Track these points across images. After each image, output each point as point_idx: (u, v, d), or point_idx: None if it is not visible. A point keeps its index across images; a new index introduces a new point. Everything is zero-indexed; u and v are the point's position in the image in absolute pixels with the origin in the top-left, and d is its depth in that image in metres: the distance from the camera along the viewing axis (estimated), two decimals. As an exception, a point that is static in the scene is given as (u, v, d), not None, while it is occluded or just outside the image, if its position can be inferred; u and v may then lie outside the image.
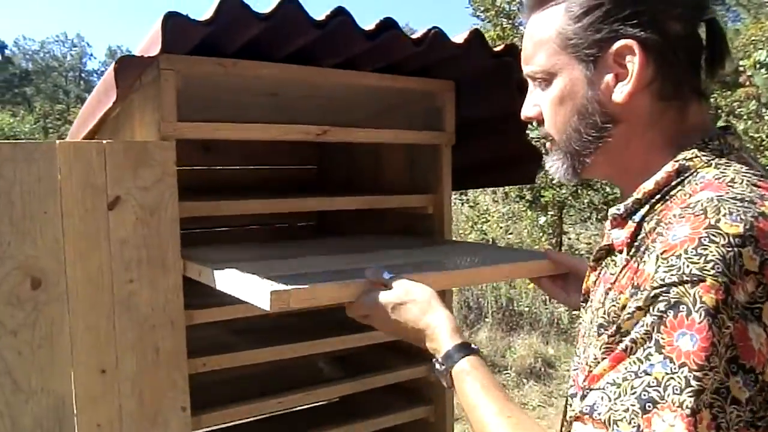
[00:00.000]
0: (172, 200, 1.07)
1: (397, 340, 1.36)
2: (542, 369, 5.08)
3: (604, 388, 0.61)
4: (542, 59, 0.76)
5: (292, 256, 1.18)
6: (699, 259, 0.57)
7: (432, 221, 1.51)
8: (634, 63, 0.71)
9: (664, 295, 0.58)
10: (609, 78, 0.73)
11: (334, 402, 1.78)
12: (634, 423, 0.56)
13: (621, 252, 0.74)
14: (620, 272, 0.72)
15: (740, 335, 0.56)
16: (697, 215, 0.61)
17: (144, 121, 1.17)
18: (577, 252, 6.47)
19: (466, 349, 0.81)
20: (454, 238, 1.59)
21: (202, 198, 1.23)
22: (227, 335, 1.42)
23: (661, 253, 0.60)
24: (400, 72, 1.36)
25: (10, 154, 0.93)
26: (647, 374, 0.57)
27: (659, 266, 0.60)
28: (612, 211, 0.76)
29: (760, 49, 4.94)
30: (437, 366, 0.82)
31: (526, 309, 5.95)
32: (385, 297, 0.88)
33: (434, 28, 1.21)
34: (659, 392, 0.56)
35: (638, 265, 0.66)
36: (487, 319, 5.87)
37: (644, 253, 0.66)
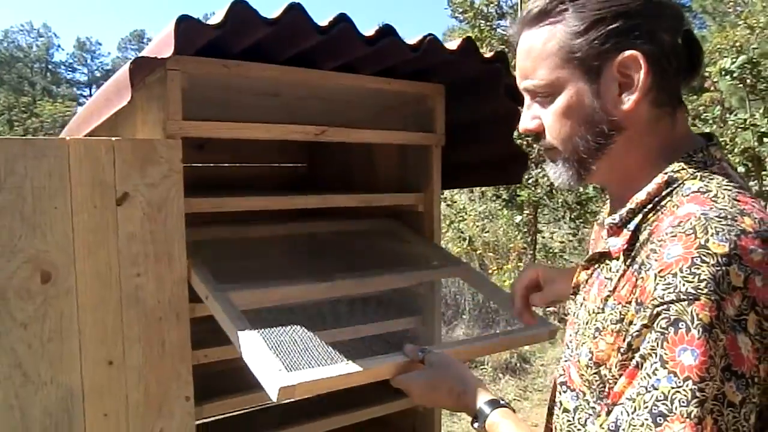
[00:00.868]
0: (178, 196, 1.10)
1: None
2: (518, 364, 5.19)
3: (623, 404, 0.68)
4: (545, 73, 0.80)
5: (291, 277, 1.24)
6: (693, 278, 0.64)
7: (421, 218, 1.56)
8: (640, 72, 0.75)
9: (664, 312, 0.65)
10: (614, 87, 0.77)
11: (323, 393, 1.82)
12: None
13: (618, 258, 0.80)
14: (618, 280, 0.78)
15: (731, 345, 0.63)
16: (688, 235, 0.67)
17: (147, 120, 1.20)
18: (551, 250, 6.62)
19: (494, 404, 0.90)
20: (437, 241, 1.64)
21: (197, 195, 1.26)
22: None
23: (659, 272, 0.67)
24: (394, 75, 1.40)
25: (22, 151, 0.95)
26: (655, 389, 0.64)
27: (657, 284, 0.66)
28: (608, 221, 0.81)
29: (725, 57, 5.11)
30: (474, 425, 0.90)
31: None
32: (421, 377, 0.98)
33: (429, 35, 1.26)
34: (667, 406, 0.63)
35: (636, 280, 0.72)
36: (464, 316, 5.97)
37: (641, 267, 0.72)
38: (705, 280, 0.63)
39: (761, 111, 4.88)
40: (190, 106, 1.14)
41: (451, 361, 0.99)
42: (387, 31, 1.19)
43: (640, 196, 0.78)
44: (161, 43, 1.00)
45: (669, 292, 0.65)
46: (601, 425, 0.74)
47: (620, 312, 0.75)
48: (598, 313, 0.80)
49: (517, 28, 0.85)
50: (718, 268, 0.63)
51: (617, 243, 0.80)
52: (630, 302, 0.72)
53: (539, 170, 6.50)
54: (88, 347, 1.02)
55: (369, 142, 1.43)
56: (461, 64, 1.36)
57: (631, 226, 0.78)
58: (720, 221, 0.67)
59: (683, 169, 0.77)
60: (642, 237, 0.77)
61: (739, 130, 4.81)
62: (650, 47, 0.76)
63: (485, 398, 0.91)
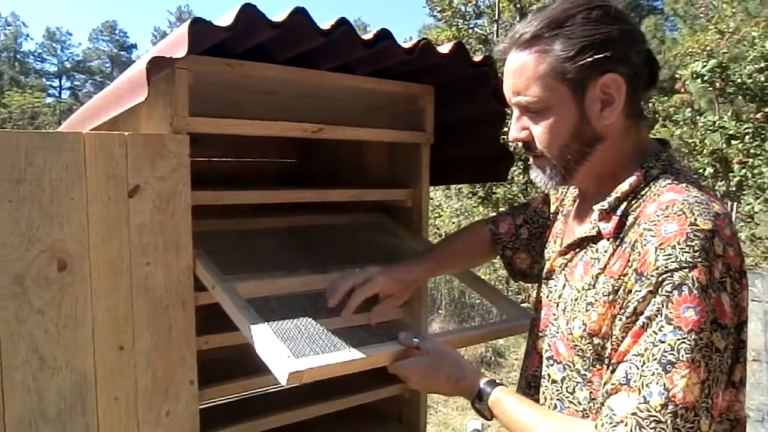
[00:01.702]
0: (186, 189, 1.15)
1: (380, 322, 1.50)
2: (492, 358, 5.33)
3: (630, 360, 0.79)
4: (537, 91, 0.92)
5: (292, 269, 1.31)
6: (689, 249, 0.78)
7: (410, 214, 1.63)
8: (621, 92, 0.90)
9: (669, 278, 0.78)
10: (597, 104, 0.91)
11: (310, 382, 1.88)
12: (661, 383, 0.75)
13: (609, 240, 0.92)
14: (609, 259, 0.90)
15: (717, 302, 0.77)
16: (679, 215, 0.81)
17: (153, 116, 1.24)
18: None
19: (493, 383, 1.00)
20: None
21: (194, 188, 1.31)
22: (222, 317, 1.49)
23: (659, 245, 0.80)
24: (386, 76, 1.47)
25: (41, 143, 0.99)
26: (662, 342, 0.77)
27: (658, 256, 0.79)
28: (597, 207, 0.94)
29: (696, 60, 5.30)
30: (477, 405, 1.00)
31: (478, 301, 6.18)
32: (418, 363, 1.06)
33: (423, 39, 1.34)
34: (674, 355, 0.75)
35: (630, 255, 0.85)
36: (440, 311, 6.07)
37: (634, 245, 0.85)
38: (699, 250, 0.77)
39: (729, 114, 5.08)
40: (195, 104, 1.19)
41: (446, 348, 1.07)
42: (384, 35, 1.25)
43: (623, 187, 0.92)
44: (174, 44, 1.05)
45: (671, 262, 0.78)
46: (604, 383, 0.84)
47: (613, 285, 0.87)
48: (589, 289, 0.92)
49: (504, 47, 0.98)
50: (706, 241, 0.78)
51: (608, 226, 0.92)
52: (625, 274, 0.84)
53: (515, 168, 6.64)
54: (100, 333, 1.07)
55: (363, 139, 1.49)
56: (451, 67, 1.44)
57: (619, 211, 0.91)
58: (699, 205, 0.82)
59: (655, 166, 0.93)
60: (629, 221, 0.90)
61: (709, 132, 5.00)
62: (626, 69, 0.90)
63: (485, 380, 1.00)
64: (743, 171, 4.88)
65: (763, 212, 5.39)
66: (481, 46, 7.53)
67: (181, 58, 1.01)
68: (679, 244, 0.78)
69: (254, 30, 1.11)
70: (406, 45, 1.32)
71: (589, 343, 0.89)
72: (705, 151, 5.15)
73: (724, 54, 5.07)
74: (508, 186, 6.77)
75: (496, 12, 8.08)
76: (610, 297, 0.86)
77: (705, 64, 4.89)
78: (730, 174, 5.10)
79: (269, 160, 2.09)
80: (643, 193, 0.90)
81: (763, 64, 5.03)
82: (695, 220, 0.80)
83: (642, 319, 0.80)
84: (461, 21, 7.87)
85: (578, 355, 0.92)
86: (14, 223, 0.98)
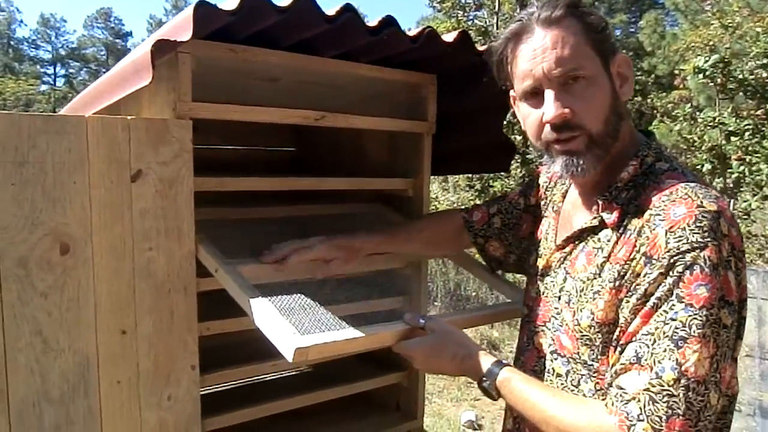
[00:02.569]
0: (188, 175, 1.15)
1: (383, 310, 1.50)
2: (487, 350, 5.34)
3: (640, 339, 0.81)
4: (584, 62, 0.91)
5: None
6: (699, 230, 0.80)
7: (411, 203, 1.64)
8: (631, 70, 0.95)
9: (680, 260, 0.80)
10: (618, 81, 0.95)
11: (306, 371, 1.89)
12: (673, 358, 0.77)
13: (612, 229, 0.93)
14: (613, 246, 0.91)
15: (725, 280, 0.79)
16: (685, 199, 0.83)
17: (155, 102, 1.24)
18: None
19: (501, 363, 0.99)
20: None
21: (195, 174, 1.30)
22: (223, 304, 1.50)
23: (669, 228, 0.82)
24: (388, 65, 1.47)
25: (44, 126, 0.99)
26: (673, 320, 0.79)
27: (669, 238, 0.81)
28: (600, 197, 0.96)
29: (699, 55, 5.29)
30: (484, 384, 0.98)
31: (473, 294, 6.20)
32: (423, 343, 1.04)
33: (428, 27, 1.33)
34: (686, 331, 0.77)
35: (636, 240, 0.86)
36: (436, 303, 6.09)
37: (641, 230, 0.86)
38: (708, 230, 0.79)
39: (729, 110, 5.09)
40: (197, 89, 1.19)
41: (451, 328, 1.07)
42: (389, 23, 1.25)
43: (623, 176, 0.94)
44: (178, 27, 1.05)
45: (683, 243, 0.80)
46: (612, 364, 0.86)
47: (618, 271, 0.88)
48: (594, 278, 0.93)
49: (523, 26, 0.95)
50: (714, 221, 0.80)
51: (611, 216, 0.93)
52: (632, 259, 0.86)
53: (512, 161, 6.65)
54: (103, 317, 1.07)
55: (365, 128, 1.49)
56: (455, 56, 1.44)
57: (620, 200, 0.93)
58: (701, 188, 0.85)
59: (649, 154, 0.95)
60: (630, 209, 0.91)
61: (708, 128, 5.00)
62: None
63: (491, 359, 1.00)
64: (741, 168, 4.89)
65: (760, 209, 5.42)
66: (480, 38, 7.51)
67: (185, 41, 1.01)
68: (689, 225, 0.80)
69: (259, 14, 1.11)
70: (411, 33, 1.31)
71: (597, 331, 0.90)
72: (704, 148, 5.16)
73: (726, 49, 5.06)
74: (506, 179, 6.78)
75: (496, 4, 8.05)
76: (616, 283, 0.88)
77: (707, 59, 4.88)
78: (728, 170, 5.12)
79: (269, 149, 2.09)
80: (641, 181, 0.92)
81: (765, 61, 5.03)
82: (701, 202, 0.82)
83: (652, 300, 0.81)
84: (461, 12, 7.85)
85: (586, 344, 0.93)
86: (17, 206, 0.98)
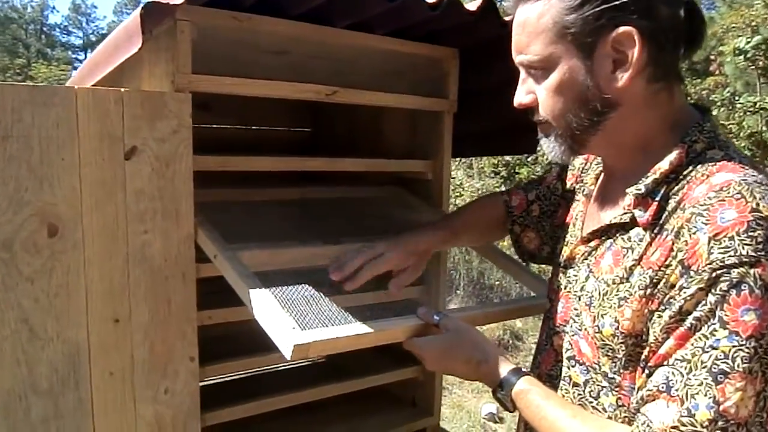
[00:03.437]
0: (187, 153, 1.07)
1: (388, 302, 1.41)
2: (510, 341, 5.24)
3: (673, 365, 0.68)
4: (538, 48, 0.80)
5: (300, 239, 1.22)
6: (751, 241, 0.65)
7: (431, 187, 1.54)
8: (634, 49, 0.75)
9: (725, 275, 0.66)
10: (608, 64, 0.77)
11: (321, 362, 1.82)
12: (710, 394, 0.64)
13: (645, 229, 0.79)
14: (646, 248, 0.78)
15: None
16: (738, 199, 0.68)
17: (154, 74, 1.16)
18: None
19: (518, 372, 0.89)
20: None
21: (203, 155, 1.23)
22: (222, 292, 1.43)
23: (714, 236, 0.68)
24: (407, 37, 1.37)
25: (29, 97, 0.92)
26: (714, 348, 0.65)
27: (712, 247, 0.67)
28: (632, 190, 0.81)
29: (740, 36, 5.04)
30: (499, 395, 0.89)
31: (497, 283, 6.09)
32: (436, 342, 0.96)
33: (449, -7, 1.22)
34: (729, 364, 0.64)
35: (673, 244, 0.73)
36: (458, 292, 5.99)
37: (679, 232, 0.72)
38: (763, 242, 0.65)
39: (770, 94, 4.84)
40: (198, 61, 1.10)
41: (468, 327, 0.97)
42: (406, -12, 1.15)
43: (663, 165, 0.78)
44: (173, -9, 0.96)
45: (729, 256, 0.66)
46: (639, 387, 0.73)
47: (651, 277, 0.74)
48: (621, 282, 0.80)
49: (513, 2, 0.85)
50: None
51: (645, 214, 0.79)
52: (668, 266, 0.72)
53: (539, 148, 6.47)
54: (94, 304, 1.00)
55: (380, 105, 1.39)
56: (478, 28, 1.33)
57: (657, 196, 0.78)
58: (760, 186, 0.69)
59: (699, 140, 0.79)
60: (670, 206, 0.77)
61: (748, 113, 4.77)
62: (647, 22, 0.75)
63: (509, 367, 0.89)
64: (784, 156, 4.66)
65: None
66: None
67: (180, 6, 0.92)
68: (738, 234, 0.66)
69: (263, -22, 1.02)
70: (430, 0, 1.21)
71: (622, 342, 0.78)
72: (742, 135, 4.92)
73: (771, 30, 4.80)
74: (532, 166, 6.62)
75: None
76: (647, 291, 0.75)
77: (749, 40, 4.62)
78: (768, 159, 4.89)
79: (284, 129, 2.00)
80: (686, 173, 0.77)
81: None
82: (758, 205, 0.67)
83: (690, 320, 0.68)
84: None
85: (607, 355, 0.81)
86: (1, 183, 0.91)
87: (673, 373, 0.68)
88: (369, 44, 1.31)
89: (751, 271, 0.65)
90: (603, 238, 0.88)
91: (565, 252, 0.98)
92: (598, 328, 0.82)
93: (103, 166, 0.99)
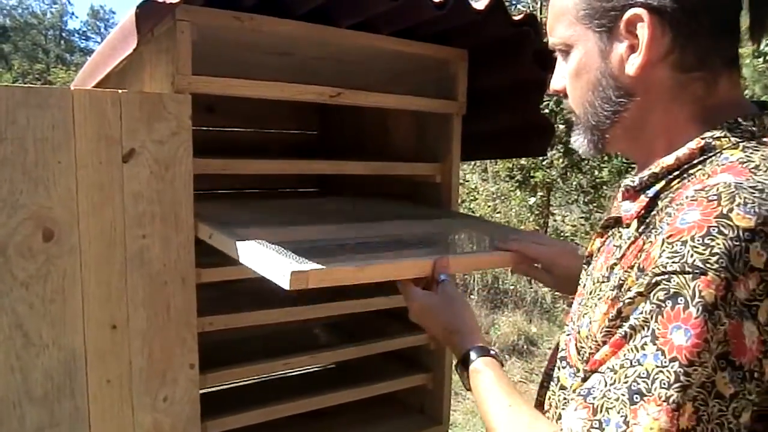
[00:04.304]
0: (187, 155, 1.05)
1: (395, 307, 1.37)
2: (525, 346, 5.17)
3: (603, 373, 0.62)
4: (561, 31, 0.75)
5: (303, 223, 1.18)
6: (705, 250, 0.56)
7: (439, 190, 1.50)
8: (643, 33, 0.68)
9: (664, 283, 0.58)
10: (622, 50, 0.70)
11: (330, 368, 1.79)
12: (622, 413, 0.58)
13: (628, 226, 0.73)
14: (628, 247, 0.71)
15: (735, 332, 0.56)
16: (710, 201, 0.59)
17: (155, 75, 1.14)
18: (561, 234, 6.53)
19: (481, 351, 0.85)
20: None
21: (206, 158, 1.21)
22: (228, 297, 1.40)
23: (667, 237, 0.59)
24: (414, 37, 1.34)
25: (24, 99, 0.90)
26: (640, 364, 0.58)
27: (664, 250, 0.59)
28: (626, 182, 0.75)
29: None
30: (458, 369, 0.88)
31: (511, 287, 6.01)
32: (427, 298, 0.96)
33: (456, -8, 1.19)
34: (647, 385, 0.57)
35: (644, 244, 0.66)
36: (472, 296, 5.93)
37: (651, 231, 0.65)
38: (718, 254, 0.56)
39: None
40: (200, 63, 1.08)
41: (462, 299, 0.97)
42: (411, -14, 1.12)
43: (668, 160, 0.70)
44: (171, -11, 0.94)
45: (673, 262, 0.58)
46: (574, 389, 0.69)
47: (620, 278, 0.68)
48: (603, 282, 0.74)
49: None
50: (737, 243, 0.56)
51: (631, 208, 0.73)
52: (632, 267, 0.66)
53: (554, 151, 6.39)
54: (91, 310, 0.98)
55: (386, 107, 1.36)
56: (486, 27, 1.29)
57: (651, 192, 0.71)
58: (753, 192, 0.59)
59: (725, 136, 0.68)
60: (661, 204, 0.69)
61: None
62: (669, 3, 0.67)
63: (475, 343, 0.87)
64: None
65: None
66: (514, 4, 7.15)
67: (178, 5, 0.90)
68: (693, 240, 0.57)
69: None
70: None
71: (590, 345, 0.72)
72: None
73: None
74: (548, 170, 6.54)
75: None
76: (614, 293, 0.68)
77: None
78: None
79: (290, 132, 1.98)
80: (693, 171, 0.68)
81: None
82: (730, 210, 0.57)
83: (626, 327, 0.62)
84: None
85: (580, 359, 0.75)
86: (-6, 186, 0.89)
87: (599, 381, 0.62)
88: (375, 45, 1.28)
89: (692, 283, 0.56)
90: (608, 232, 0.83)
91: (588, 247, 0.93)
92: (578, 329, 0.77)
93: (100, 169, 0.97)
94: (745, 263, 0.55)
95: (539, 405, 0.86)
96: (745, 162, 0.64)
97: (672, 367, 0.56)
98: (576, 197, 6.64)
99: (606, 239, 0.82)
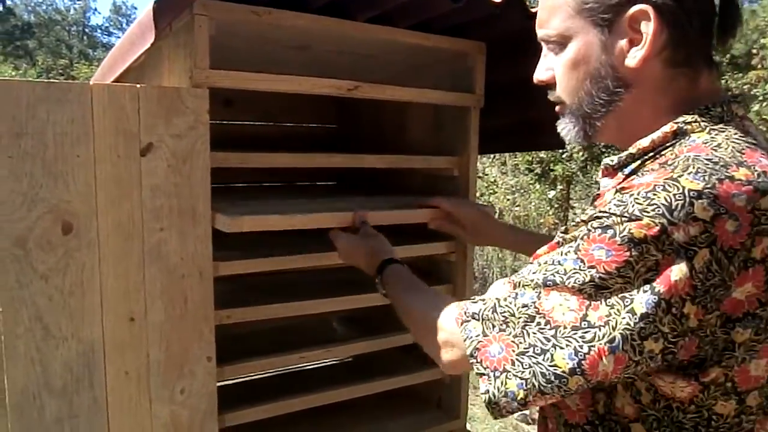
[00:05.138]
0: (204, 149, 1.05)
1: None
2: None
3: (532, 263, 0.73)
4: (557, 23, 0.78)
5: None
6: (644, 202, 0.63)
7: (457, 184, 1.49)
8: (648, 28, 0.72)
9: (604, 218, 0.66)
10: (623, 43, 0.75)
11: (347, 361, 1.79)
12: (537, 291, 0.69)
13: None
14: None
15: (664, 266, 0.62)
16: (665, 168, 0.66)
17: (174, 70, 1.15)
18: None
19: (392, 261, 1.05)
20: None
21: (224, 151, 1.21)
22: (244, 291, 1.41)
23: (620, 190, 0.67)
24: (431, 30, 1.32)
25: (44, 94, 0.91)
26: (560, 264, 0.68)
27: (614, 198, 0.67)
28: (605, 161, 0.80)
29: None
30: (376, 280, 1.05)
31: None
32: (350, 239, 1.19)
33: (474, -17, 1.17)
34: (562, 279, 0.67)
35: None
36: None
37: None
38: (656, 205, 0.62)
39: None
40: (218, 57, 1.08)
41: (378, 235, 1.17)
42: (428, -22, 1.11)
43: (644, 142, 0.75)
44: (188, -16, 0.94)
45: (617, 206, 0.65)
46: None
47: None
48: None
49: None
50: (680, 199, 0.62)
51: (609, 184, 0.79)
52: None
53: (573, 144, 6.32)
54: (109, 302, 0.99)
55: (404, 100, 1.35)
56: (504, 19, 1.27)
57: (627, 170, 0.77)
58: (707, 164, 0.65)
59: (695, 121, 0.73)
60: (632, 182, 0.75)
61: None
62: (669, 3, 0.72)
63: (388, 256, 1.07)
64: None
65: None
66: None
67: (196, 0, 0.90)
68: (638, 194, 0.64)
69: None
70: (454, -9, 1.16)
71: None
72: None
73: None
74: (567, 163, 6.47)
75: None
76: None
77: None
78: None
79: (308, 126, 1.98)
80: (664, 152, 0.72)
81: None
82: (680, 176, 0.63)
83: (561, 237, 0.72)
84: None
85: None
86: (15, 180, 0.90)
87: (527, 268, 0.73)
88: (392, 38, 1.27)
89: (626, 224, 0.63)
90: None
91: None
92: None
93: (119, 163, 0.97)
94: (687, 213, 0.61)
95: None
96: (709, 142, 0.70)
97: (588, 272, 0.64)
98: (596, 190, 6.56)
99: None
